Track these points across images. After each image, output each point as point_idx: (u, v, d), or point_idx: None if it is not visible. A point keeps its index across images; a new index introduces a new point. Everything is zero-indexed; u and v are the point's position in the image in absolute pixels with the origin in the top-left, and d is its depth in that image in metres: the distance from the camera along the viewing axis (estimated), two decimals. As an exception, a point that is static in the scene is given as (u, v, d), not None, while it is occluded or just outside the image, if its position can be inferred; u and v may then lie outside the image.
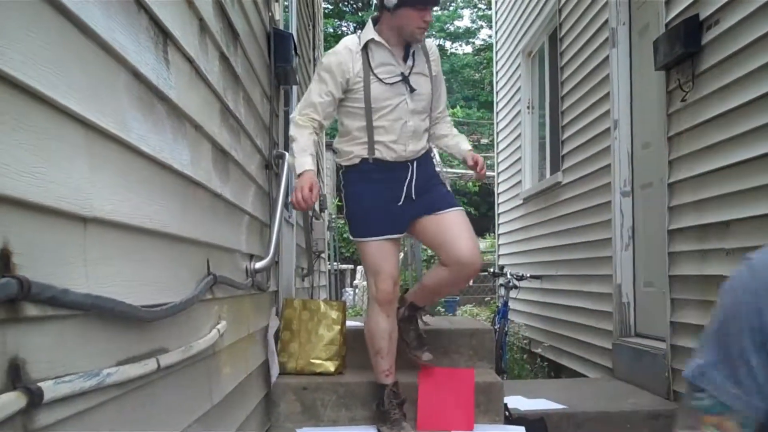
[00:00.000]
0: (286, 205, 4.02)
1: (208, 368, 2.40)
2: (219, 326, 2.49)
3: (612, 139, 5.62)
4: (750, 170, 3.61)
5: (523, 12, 9.23)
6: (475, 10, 35.54)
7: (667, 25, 4.58)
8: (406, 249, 13.75)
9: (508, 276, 7.68)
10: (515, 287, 7.62)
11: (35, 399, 1.12)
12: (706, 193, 4.05)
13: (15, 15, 1.16)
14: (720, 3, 3.93)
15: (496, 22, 11.42)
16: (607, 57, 5.76)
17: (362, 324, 4.06)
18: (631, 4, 5.64)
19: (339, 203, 19.82)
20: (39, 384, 1.15)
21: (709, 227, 4.01)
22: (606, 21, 5.82)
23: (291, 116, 3.79)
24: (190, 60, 2.17)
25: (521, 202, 9.12)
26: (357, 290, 13.93)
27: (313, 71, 6.88)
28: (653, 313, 5.05)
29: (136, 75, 1.69)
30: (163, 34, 1.91)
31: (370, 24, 3.75)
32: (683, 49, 4.20)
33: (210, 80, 2.43)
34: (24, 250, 1.15)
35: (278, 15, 4.21)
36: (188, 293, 2.06)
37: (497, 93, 11.13)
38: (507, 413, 3.90)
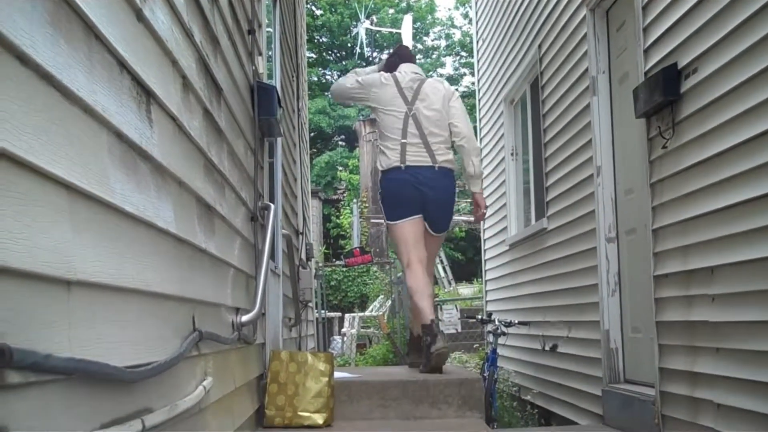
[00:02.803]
0: (272, 255, 4.03)
1: (194, 426, 2.38)
2: (205, 383, 2.48)
3: (595, 186, 5.66)
4: (733, 216, 3.64)
5: (505, 60, 9.34)
6: (458, 57, 35.99)
7: (646, 73, 4.64)
8: (393, 296, 13.75)
9: (497, 323, 7.66)
10: (504, 334, 7.60)
11: (17, 468, 1.11)
12: (690, 239, 4.07)
13: (-2, 82, 1.17)
14: (698, 52, 4.00)
15: (479, 71, 11.54)
16: (589, 105, 5.82)
17: (351, 375, 4.05)
18: (611, 53, 5.72)
19: (326, 251, 19.82)
20: (21, 453, 1.14)
21: (695, 273, 4.03)
22: (586, 70, 5.90)
23: None
24: (173, 118, 2.18)
25: (507, 248, 9.13)
26: (345, 338, 13.86)
27: (298, 121, 6.94)
28: (642, 359, 5.05)
29: (119, 135, 1.70)
30: (146, 94, 1.93)
31: None
32: (662, 97, 4.25)
33: (193, 136, 2.44)
34: (7, 317, 1.14)
35: (261, 68, 4.25)
36: (173, 351, 2.05)
37: (481, 140, 11.21)
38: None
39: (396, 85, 5.09)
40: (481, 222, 8.80)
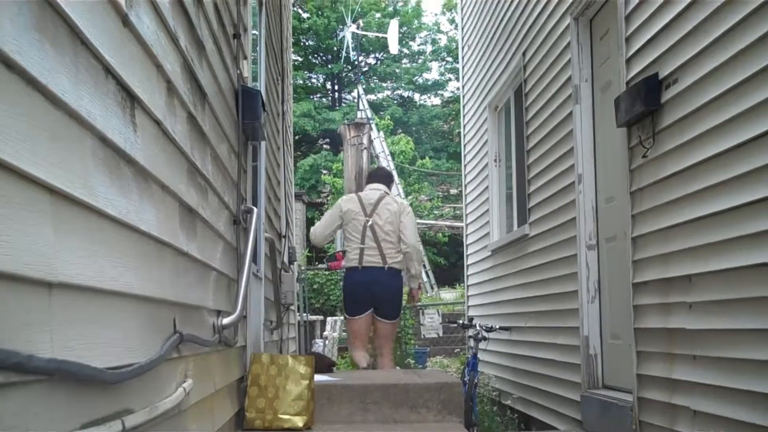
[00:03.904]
0: (254, 259, 4.04)
1: (174, 427, 2.39)
2: (185, 384, 2.49)
3: (577, 193, 5.71)
4: (710, 225, 3.68)
5: (489, 67, 9.39)
6: (444, 63, 36.10)
7: (628, 82, 4.69)
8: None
9: (478, 327, 7.69)
10: (484, 339, 7.63)
11: (-3, 467, 1.13)
12: (669, 248, 4.12)
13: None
14: (679, 62, 4.04)
15: (463, 77, 11.59)
16: (571, 113, 5.87)
17: (332, 378, 4.07)
18: (594, 62, 5.77)
19: (309, 254, 19.81)
20: (1, 452, 1.16)
21: (673, 281, 4.07)
22: (569, 78, 5.95)
23: None
24: (157, 122, 2.20)
25: (490, 253, 9.17)
26: (327, 341, 13.85)
27: (282, 124, 6.96)
28: (620, 365, 5.09)
29: (103, 140, 1.72)
30: (131, 98, 1.94)
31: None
32: (643, 107, 4.30)
33: (177, 141, 2.46)
34: (-11, 318, 1.16)
35: (246, 72, 4.26)
36: (154, 353, 2.07)
37: (465, 146, 11.26)
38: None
39: (359, 201, 6.39)
40: (464, 227, 10.03)
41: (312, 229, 6.76)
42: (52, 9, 1.45)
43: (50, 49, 1.42)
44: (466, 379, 7.21)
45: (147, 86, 2.09)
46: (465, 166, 11.23)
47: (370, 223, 6.27)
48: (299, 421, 3.97)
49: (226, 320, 3.26)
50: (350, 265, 6.33)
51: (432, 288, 21.39)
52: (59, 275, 1.43)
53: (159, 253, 2.21)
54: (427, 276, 21.71)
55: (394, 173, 22.29)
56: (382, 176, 6.76)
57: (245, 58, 4.24)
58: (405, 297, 6.86)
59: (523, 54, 7.58)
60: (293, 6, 24.14)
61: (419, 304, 15.50)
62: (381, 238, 6.22)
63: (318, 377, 4.40)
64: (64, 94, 1.47)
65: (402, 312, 7.12)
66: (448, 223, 24.37)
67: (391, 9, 35.73)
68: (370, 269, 6.25)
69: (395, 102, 35.44)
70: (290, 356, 4.23)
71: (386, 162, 22.83)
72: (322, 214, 23.38)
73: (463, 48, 11.72)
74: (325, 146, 32.82)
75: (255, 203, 4.62)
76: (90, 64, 1.65)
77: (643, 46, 4.50)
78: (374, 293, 6.28)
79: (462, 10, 11.93)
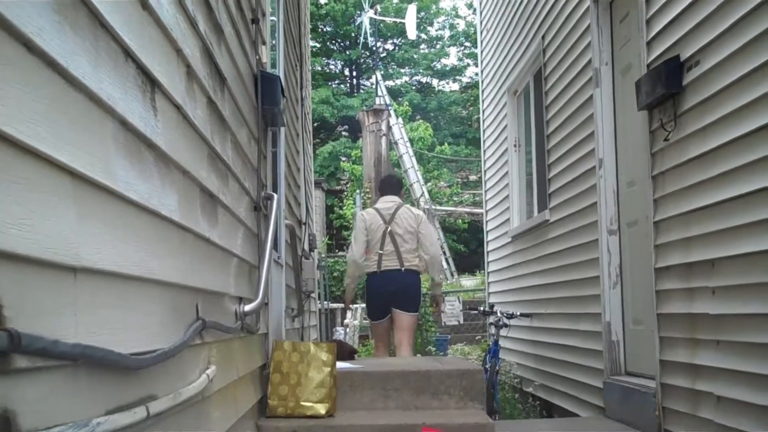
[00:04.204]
0: (275, 245, 4.04)
1: (197, 414, 2.39)
2: (208, 371, 2.49)
3: (598, 178, 5.66)
4: (734, 209, 3.64)
5: (509, 51, 9.33)
6: (462, 48, 35.95)
7: (648, 65, 4.64)
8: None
9: (498, 314, 7.68)
10: (505, 326, 7.62)
11: (24, 452, 1.12)
12: (692, 232, 4.08)
13: (3, 69, 1.18)
14: (700, 44, 3.99)
15: (482, 61, 11.53)
16: (591, 96, 5.82)
17: (353, 365, 4.07)
18: (614, 45, 5.72)
19: (329, 242, 19.82)
20: (28, 436, 1.15)
21: (695, 265, 4.03)
22: (589, 61, 5.89)
23: None
24: (177, 106, 2.19)
25: (510, 239, 9.14)
26: (348, 329, 13.87)
27: (301, 110, 6.96)
28: (643, 351, 5.06)
29: (124, 123, 1.71)
30: (151, 82, 1.93)
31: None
32: (665, 89, 4.25)
33: (197, 125, 2.45)
34: (14, 303, 1.16)
35: (265, 57, 4.25)
36: (177, 339, 2.06)
37: (484, 131, 11.21)
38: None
39: (378, 213, 6.78)
40: (484, 213, 10.16)
41: (348, 255, 7.24)
42: (72, -9, 1.44)
43: (70, 31, 1.41)
44: (487, 366, 7.20)
45: (167, 70, 2.08)
46: (484, 151, 11.18)
47: (389, 230, 6.64)
48: (321, 408, 3.97)
49: (247, 307, 3.26)
50: (370, 271, 6.71)
51: (452, 275, 21.36)
52: (82, 260, 1.43)
53: (181, 239, 2.21)
54: (448, 263, 21.68)
55: (412, 167, 22.31)
56: (393, 186, 7.10)
57: (264, 43, 4.23)
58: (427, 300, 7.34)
59: (543, 38, 7.52)
60: (310, -7, 24.09)
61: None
62: (399, 244, 6.62)
63: (339, 364, 4.40)
64: (84, 77, 1.46)
65: (420, 306, 7.39)
66: (467, 209, 24.28)
67: (408, -6, 35.61)
68: (388, 272, 6.63)
69: (413, 88, 35.35)
70: (312, 343, 4.23)
71: (405, 148, 22.79)
72: (342, 202, 23.46)
73: (481, 33, 11.65)
74: (343, 133, 32.83)
75: (275, 189, 4.62)
76: (110, 47, 1.64)
77: (663, 28, 4.44)
78: (391, 291, 6.62)
79: (480, -6, 11.86)
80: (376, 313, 6.77)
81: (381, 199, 6.98)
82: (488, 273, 10.91)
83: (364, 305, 15.40)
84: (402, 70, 36.57)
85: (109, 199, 1.61)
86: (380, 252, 6.60)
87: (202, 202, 2.53)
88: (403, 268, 6.58)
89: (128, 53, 1.76)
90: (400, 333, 6.67)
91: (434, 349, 12.77)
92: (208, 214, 2.62)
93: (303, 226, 6.83)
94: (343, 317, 15.00)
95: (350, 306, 8.54)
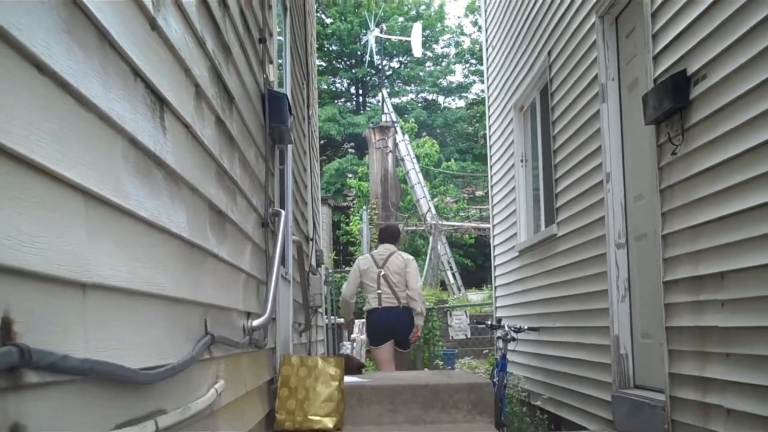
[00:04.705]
0: (282, 261, 4.06)
1: (206, 428, 2.40)
2: (217, 386, 2.50)
3: (605, 192, 5.67)
4: (742, 222, 3.64)
5: (514, 68, 9.36)
6: (467, 65, 36.04)
7: (655, 80, 4.65)
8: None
9: (506, 328, 7.67)
10: (513, 339, 7.61)
11: (35, 466, 1.13)
12: (700, 245, 4.08)
13: (15, 89, 1.20)
14: (707, 58, 4.01)
15: (488, 78, 11.55)
16: (598, 111, 5.83)
17: (361, 379, 4.07)
18: (620, 60, 5.73)
19: (335, 257, 19.83)
20: (39, 451, 1.16)
21: (704, 278, 4.03)
22: (596, 76, 5.91)
23: None
24: (186, 125, 2.21)
25: (517, 254, 9.14)
26: (354, 344, 13.86)
27: (308, 128, 7.00)
28: (651, 364, 5.05)
29: (134, 142, 1.73)
30: (160, 102, 1.96)
31: None
32: (672, 103, 4.26)
33: (206, 143, 2.47)
34: (25, 318, 1.17)
35: (272, 76, 4.28)
36: (186, 354, 2.08)
37: (490, 147, 11.22)
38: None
39: (372, 258, 7.89)
40: (491, 228, 10.64)
41: (342, 292, 8.34)
42: (80, 12, 1.46)
43: (79, 51, 1.43)
44: (495, 380, 7.19)
45: (176, 89, 2.10)
46: (491, 167, 11.19)
47: (383, 273, 7.69)
48: (329, 423, 3.97)
49: (255, 322, 3.27)
50: (371, 307, 7.74)
51: (459, 290, 21.33)
52: (93, 276, 1.44)
53: (190, 255, 2.23)
54: (454, 278, 21.66)
55: (418, 183, 22.32)
56: (391, 236, 8.26)
57: (271, 62, 4.26)
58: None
59: (549, 53, 7.55)
60: (317, 11, 24.22)
61: (446, 305, 15.50)
62: (393, 283, 7.65)
63: (347, 378, 4.41)
64: (94, 97, 1.48)
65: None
66: (474, 224, 24.28)
67: (414, 12, 35.72)
68: (389, 309, 7.63)
69: (419, 105, 35.44)
70: (320, 358, 4.24)
71: (411, 164, 22.83)
72: (348, 218, 23.51)
73: (487, 49, 11.69)
74: (350, 150, 32.89)
75: (282, 206, 4.64)
76: (119, 67, 1.67)
77: (670, 42, 4.46)
78: (393, 327, 7.66)
79: (485, 11, 11.90)
80: (378, 340, 7.76)
81: (379, 247, 8.13)
82: (495, 287, 10.90)
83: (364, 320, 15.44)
84: (408, 88, 36.68)
85: (119, 216, 1.62)
86: (378, 292, 7.70)
87: (211, 218, 2.55)
88: (400, 306, 7.64)
89: (137, 73, 1.78)
90: (397, 364, 7.81)
91: (442, 363, 12.75)
92: (217, 230, 2.64)
93: (310, 242, 6.85)
94: (350, 332, 15.00)
95: (351, 327, 10.00)
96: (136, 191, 1.73)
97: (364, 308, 8.10)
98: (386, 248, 8.02)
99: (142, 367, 1.68)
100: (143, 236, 1.78)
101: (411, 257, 8.06)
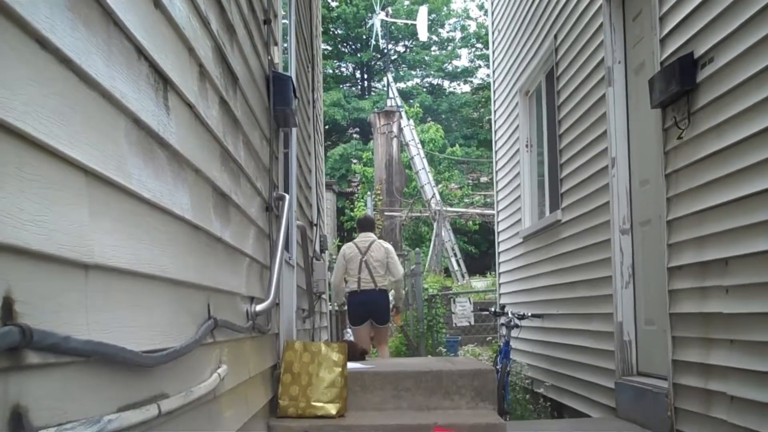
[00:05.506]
0: (286, 246, 4.04)
1: (209, 412, 2.39)
2: (220, 370, 2.49)
3: (610, 177, 5.64)
4: (748, 207, 3.62)
5: (520, 52, 9.31)
6: (473, 50, 35.90)
7: (662, 63, 4.62)
8: (406, 289, 13.77)
9: (510, 315, 7.66)
10: (517, 326, 7.60)
11: (37, 447, 1.12)
12: (706, 230, 4.06)
13: (18, 66, 1.18)
14: (714, 41, 3.97)
15: (494, 62, 11.50)
16: (604, 95, 5.80)
17: (364, 365, 4.07)
18: (627, 44, 5.69)
19: (339, 243, 19.90)
20: (41, 432, 1.15)
21: (709, 264, 4.01)
22: (602, 60, 5.88)
23: None
24: (190, 105, 2.19)
25: (521, 240, 9.12)
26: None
27: (313, 112, 6.96)
28: (655, 351, 5.03)
29: (137, 122, 1.71)
30: (164, 81, 1.94)
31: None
32: (678, 87, 4.23)
33: (210, 125, 2.45)
34: (26, 298, 1.16)
35: (277, 58, 4.25)
36: (189, 337, 2.06)
37: (495, 132, 11.19)
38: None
39: (356, 246, 8.61)
40: (495, 214, 10.75)
41: (332, 279, 8.98)
42: (84, -11, 1.44)
43: (83, 28, 1.41)
44: (498, 367, 7.19)
45: (179, 69, 2.08)
46: (496, 152, 11.16)
47: (365, 259, 8.43)
48: (332, 409, 3.97)
49: (259, 307, 3.26)
50: (352, 289, 8.50)
51: (463, 276, 21.34)
52: (95, 257, 1.43)
53: (193, 238, 2.21)
54: (458, 264, 21.66)
55: (423, 169, 22.27)
56: (369, 225, 9.08)
57: (276, 44, 4.23)
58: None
59: (555, 37, 7.50)
60: (321, -5, 24.10)
61: (450, 292, 15.50)
62: (372, 268, 8.40)
63: (350, 365, 4.40)
64: (97, 75, 1.46)
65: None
66: (478, 210, 24.26)
67: (419, -4, 35.62)
68: (367, 291, 8.39)
69: (424, 90, 35.35)
70: (323, 343, 4.23)
71: (416, 150, 22.79)
72: (353, 204, 23.46)
73: (493, 33, 11.63)
74: (354, 135, 32.85)
75: (287, 190, 4.62)
76: (123, 45, 1.64)
77: (677, 25, 4.43)
78: (369, 307, 8.44)
79: (492, -5, 11.84)
80: (357, 321, 8.58)
81: (360, 235, 8.89)
82: (499, 274, 10.88)
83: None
84: (413, 72, 36.58)
85: (122, 196, 1.61)
86: (359, 276, 8.44)
87: (215, 201, 2.53)
88: (377, 288, 8.40)
89: (141, 51, 1.76)
90: (378, 339, 8.68)
91: (445, 350, 12.75)
92: (221, 213, 2.62)
93: (314, 228, 6.84)
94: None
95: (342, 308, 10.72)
96: (139, 172, 1.71)
97: (346, 289, 8.88)
98: (367, 236, 8.84)
99: (144, 350, 1.67)
100: (146, 217, 1.77)
101: (390, 246, 8.96)
